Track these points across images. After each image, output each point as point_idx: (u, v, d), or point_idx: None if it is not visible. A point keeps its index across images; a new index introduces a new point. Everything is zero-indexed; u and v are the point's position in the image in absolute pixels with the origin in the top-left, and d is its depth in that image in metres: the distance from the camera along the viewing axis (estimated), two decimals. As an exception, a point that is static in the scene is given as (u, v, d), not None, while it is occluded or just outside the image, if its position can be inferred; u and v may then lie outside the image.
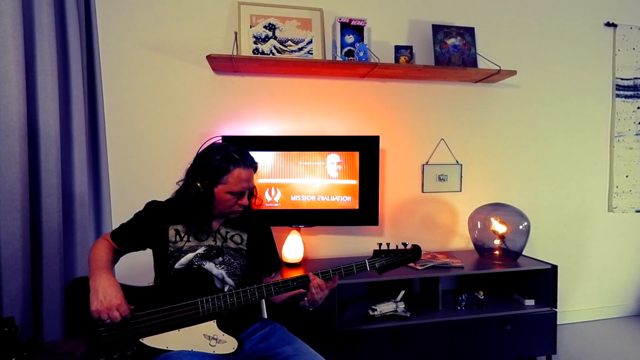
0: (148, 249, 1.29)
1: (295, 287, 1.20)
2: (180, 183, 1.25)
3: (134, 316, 1.12)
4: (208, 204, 1.19)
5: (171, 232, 1.23)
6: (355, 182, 1.97)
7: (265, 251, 1.36)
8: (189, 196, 1.19)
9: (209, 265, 1.22)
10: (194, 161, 1.23)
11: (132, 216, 1.29)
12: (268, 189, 1.93)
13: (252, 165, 1.24)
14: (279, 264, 1.41)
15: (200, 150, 1.25)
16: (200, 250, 1.22)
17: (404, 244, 1.27)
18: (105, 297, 1.08)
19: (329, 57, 2.02)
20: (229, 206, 1.21)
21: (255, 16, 1.93)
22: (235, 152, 1.20)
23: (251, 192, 1.30)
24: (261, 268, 1.37)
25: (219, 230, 1.28)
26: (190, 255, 1.21)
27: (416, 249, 1.26)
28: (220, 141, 1.30)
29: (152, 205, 1.29)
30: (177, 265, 1.20)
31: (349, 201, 1.97)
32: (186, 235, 1.23)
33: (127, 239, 1.26)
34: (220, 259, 1.24)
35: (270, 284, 1.18)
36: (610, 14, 2.45)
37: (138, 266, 1.50)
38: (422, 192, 2.25)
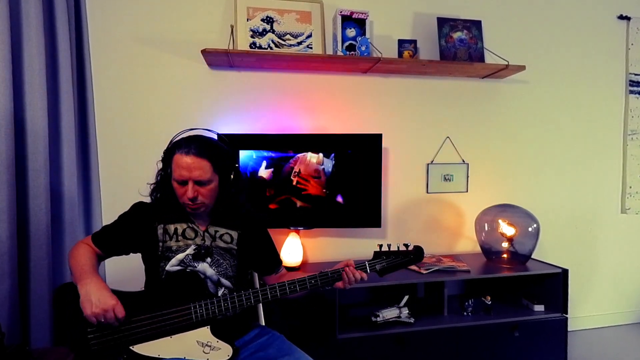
0: (133, 254, 1.25)
1: (297, 290, 1.16)
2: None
3: (123, 322, 1.08)
4: (167, 191, 1.19)
5: (159, 231, 1.20)
6: (356, 182, 1.91)
7: (261, 249, 1.32)
8: (156, 184, 1.22)
9: (202, 267, 1.18)
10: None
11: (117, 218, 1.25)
12: (267, 189, 1.87)
13: (198, 154, 1.12)
14: (279, 260, 1.38)
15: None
16: (190, 251, 1.19)
17: (406, 245, 1.25)
18: (100, 300, 1.04)
19: (330, 51, 1.98)
20: (180, 196, 1.17)
21: (252, 9, 1.89)
22: (185, 138, 1.17)
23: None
24: (261, 268, 1.34)
25: (208, 229, 1.23)
26: (180, 256, 1.18)
27: (418, 249, 1.24)
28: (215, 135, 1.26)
29: (138, 206, 1.25)
30: (168, 267, 1.17)
31: (350, 202, 1.91)
32: (174, 235, 1.20)
33: (111, 242, 1.21)
34: (210, 259, 1.20)
35: (266, 288, 1.16)
36: (623, 7, 2.40)
37: (128, 271, 1.46)
38: (427, 192, 2.20)
